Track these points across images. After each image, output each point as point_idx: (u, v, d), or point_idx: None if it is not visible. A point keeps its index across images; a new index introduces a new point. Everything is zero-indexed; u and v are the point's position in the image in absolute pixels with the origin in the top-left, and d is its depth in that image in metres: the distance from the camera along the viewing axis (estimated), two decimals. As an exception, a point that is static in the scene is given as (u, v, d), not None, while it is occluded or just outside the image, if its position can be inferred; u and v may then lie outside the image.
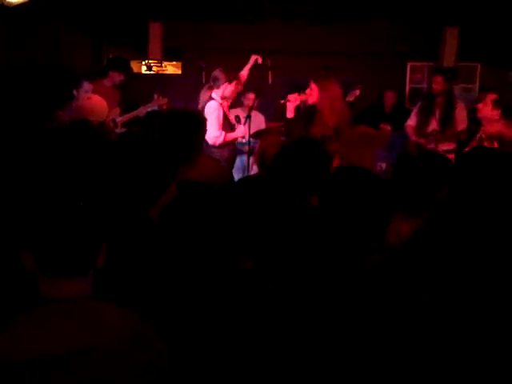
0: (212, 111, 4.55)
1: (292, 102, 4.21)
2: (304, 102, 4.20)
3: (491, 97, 4.43)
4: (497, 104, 4.37)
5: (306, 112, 4.18)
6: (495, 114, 4.26)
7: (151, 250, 1.65)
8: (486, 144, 3.87)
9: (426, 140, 5.00)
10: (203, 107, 4.67)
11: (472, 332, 1.67)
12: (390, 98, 6.64)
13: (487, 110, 4.38)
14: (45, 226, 1.16)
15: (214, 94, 4.66)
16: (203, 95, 4.79)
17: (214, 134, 4.42)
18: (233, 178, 3.06)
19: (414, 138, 5.16)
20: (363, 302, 1.60)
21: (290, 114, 4.26)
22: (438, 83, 5.12)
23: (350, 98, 5.63)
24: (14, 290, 1.18)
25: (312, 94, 4.03)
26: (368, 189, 1.72)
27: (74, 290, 1.19)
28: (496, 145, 3.62)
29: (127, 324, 1.18)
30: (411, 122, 5.29)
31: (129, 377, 1.12)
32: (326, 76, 4.66)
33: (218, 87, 4.62)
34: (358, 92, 5.63)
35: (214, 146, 4.48)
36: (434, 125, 5.06)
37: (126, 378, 1.12)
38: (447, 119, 4.98)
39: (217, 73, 4.64)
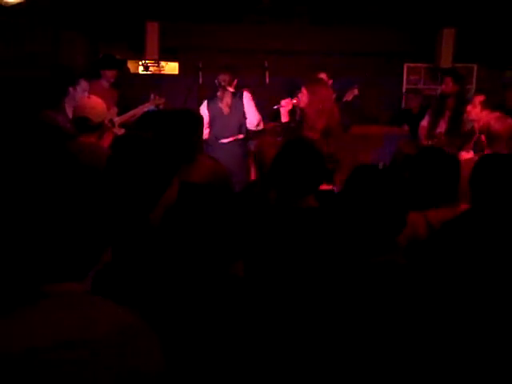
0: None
1: (285, 107, 4.24)
2: (296, 107, 4.21)
3: (479, 98, 4.44)
4: (485, 105, 4.38)
5: (297, 118, 4.19)
6: (484, 115, 4.27)
7: (153, 253, 1.65)
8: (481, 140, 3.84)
9: (432, 142, 5.00)
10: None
11: (485, 331, 1.68)
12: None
13: (476, 111, 4.39)
14: (40, 232, 1.15)
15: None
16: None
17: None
18: (230, 177, 3.05)
19: (423, 138, 5.17)
20: (373, 299, 1.59)
21: (284, 119, 4.28)
22: (448, 84, 5.12)
23: (349, 98, 5.64)
24: (14, 281, 1.17)
25: (302, 99, 4.04)
26: (385, 186, 1.71)
27: (75, 286, 1.19)
28: (483, 138, 3.57)
29: (122, 318, 1.18)
30: (424, 122, 5.30)
31: (119, 371, 1.13)
32: (316, 79, 4.69)
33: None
34: (356, 91, 5.63)
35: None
36: (442, 126, 5.07)
37: (116, 373, 1.13)
38: (455, 121, 4.97)
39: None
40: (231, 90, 4.95)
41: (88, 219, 1.19)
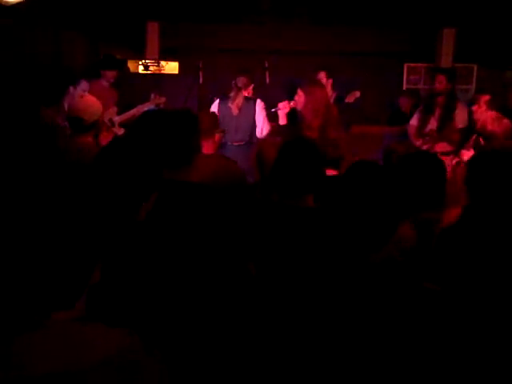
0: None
1: (282, 110, 4.24)
2: (294, 109, 4.21)
3: (485, 98, 4.46)
4: (491, 105, 4.39)
5: (299, 119, 4.20)
6: (490, 114, 4.28)
7: (141, 252, 1.64)
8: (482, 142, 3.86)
9: (423, 140, 5.00)
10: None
11: (481, 329, 1.68)
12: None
13: (481, 111, 4.41)
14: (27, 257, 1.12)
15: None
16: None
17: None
18: (244, 176, 3.05)
19: (413, 137, 5.16)
20: (371, 297, 1.60)
21: (282, 121, 4.29)
22: (441, 83, 5.10)
23: (351, 100, 5.64)
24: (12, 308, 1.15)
25: (299, 100, 4.05)
26: (381, 184, 1.72)
27: (66, 315, 1.17)
28: (482, 140, 3.59)
29: (118, 342, 1.16)
30: (413, 121, 5.28)
31: None
32: (312, 81, 4.70)
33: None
34: (358, 93, 5.64)
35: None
36: (433, 124, 5.05)
37: None
38: (446, 119, 4.96)
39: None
40: (245, 93, 4.93)
41: (79, 227, 1.17)
